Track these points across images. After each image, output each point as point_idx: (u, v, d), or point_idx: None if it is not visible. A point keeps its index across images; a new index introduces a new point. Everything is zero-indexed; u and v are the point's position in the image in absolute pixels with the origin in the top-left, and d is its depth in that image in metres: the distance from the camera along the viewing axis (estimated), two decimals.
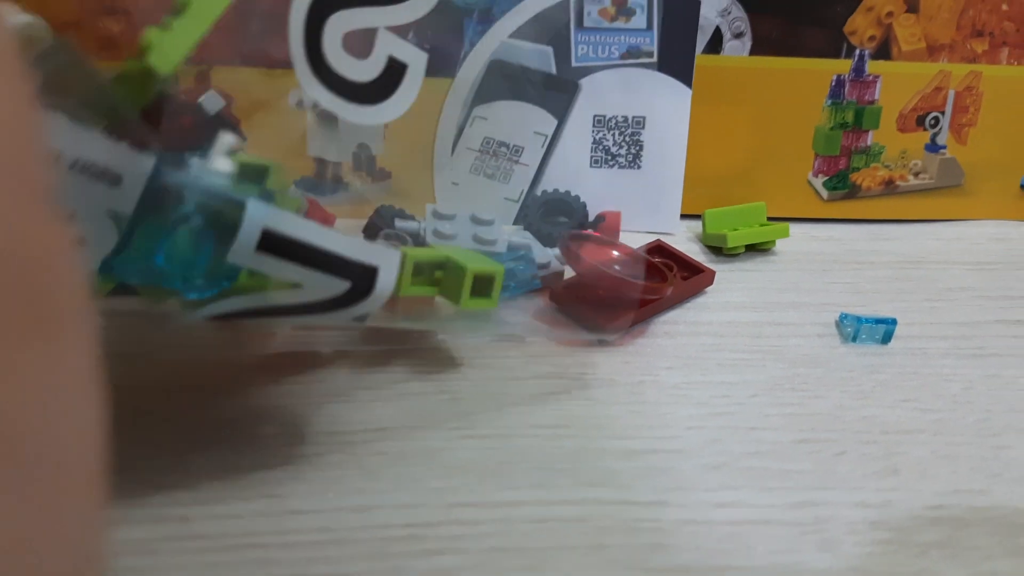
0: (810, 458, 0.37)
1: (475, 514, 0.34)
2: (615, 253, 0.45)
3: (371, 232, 0.46)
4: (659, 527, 0.33)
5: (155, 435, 0.36)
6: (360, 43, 0.42)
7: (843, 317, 0.45)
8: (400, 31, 0.42)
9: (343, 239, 0.30)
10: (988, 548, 0.33)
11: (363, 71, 0.41)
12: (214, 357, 0.41)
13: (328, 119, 0.50)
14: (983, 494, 0.36)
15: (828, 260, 0.50)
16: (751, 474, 0.36)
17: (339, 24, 0.42)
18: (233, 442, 0.36)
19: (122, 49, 0.47)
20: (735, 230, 0.50)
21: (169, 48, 0.35)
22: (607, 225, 0.50)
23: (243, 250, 0.29)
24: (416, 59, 0.42)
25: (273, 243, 0.29)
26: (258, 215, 0.28)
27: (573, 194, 0.50)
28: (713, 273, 0.47)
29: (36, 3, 0.46)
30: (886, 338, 0.44)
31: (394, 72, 0.43)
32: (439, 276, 0.38)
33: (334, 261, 0.30)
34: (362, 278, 0.30)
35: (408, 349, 0.42)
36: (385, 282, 0.31)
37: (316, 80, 0.41)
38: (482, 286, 0.38)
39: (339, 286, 0.30)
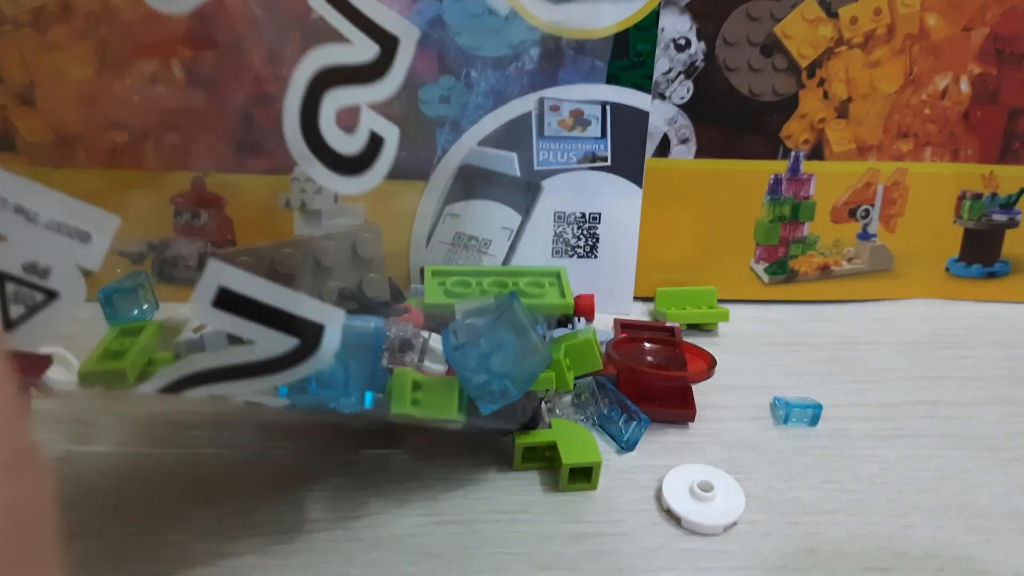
0: (739, 539, 0.42)
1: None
2: (646, 345, 0.50)
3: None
4: None
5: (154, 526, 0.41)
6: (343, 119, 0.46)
7: (776, 401, 0.50)
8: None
9: (292, 297, 0.32)
10: None
11: (350, 144, 0.45)
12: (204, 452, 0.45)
13: (313, 217, 0.54)
14: (889, 572, 0.41)
15: (767, 342, 0.55)
16: (686, 555, 0.41)
17: (332, 102, 0.46)
18: (226, 530, 0.41)
19: (125, 159, 0.52)
20: (683, 309, 0.55)
21: None
22: (582, 307, 0.54)
23: (201, 304, 0.31)
24: (391, 133, 0.45)
25: (229, 300, 0.31)
26: (215, 273, 0.31)
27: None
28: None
29: (47, 119, 0.51)
30: (814, 421, 0.49)
31: (375, 145, 0.47)
32: (548, 455, 0.44)
33: (284, 318, 0.32)
34: (310, 335, 0.32)
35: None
36: (331, 340, 0.33)
37: (311, 154, 0.45)
38: (581, 474, 0.44)
39: (288, 343, 0.32)
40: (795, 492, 0.45)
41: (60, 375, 0.39)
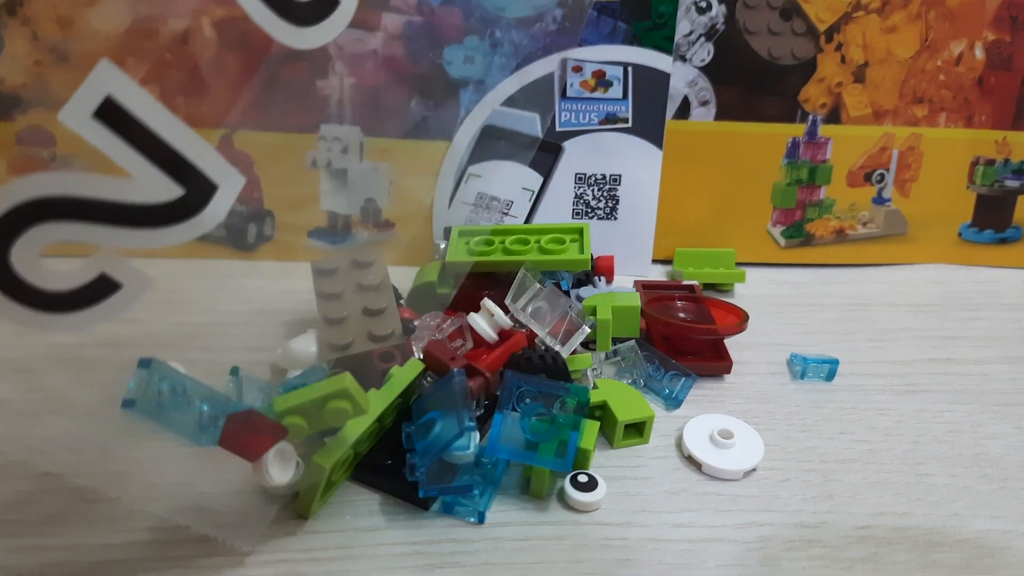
0: (758, 484, 0.43)
1: (470, 534, 0.39)
2: (677, 303, 0.51)
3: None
4: (626, 544, 0.39)
5: None
6: None
7: (793, 357, 0.51)
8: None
9: (198, 142, 0.27)
10: (906, 563, 0.39)
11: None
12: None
13: (339, 177, 0.55)
14: (905, 516, 0.42)
15: (783, 303, 0.56)
16: (707, 499, 0.42)
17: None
18: None
19: None
20: (701, 270, 0.56)
21: None
22: (602, 267, 0.55)
23: (77, 113, 0.26)
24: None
25: (113, 114, 0.26)
26: (106, 77, 0.25)
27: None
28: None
29: (81, 77, 0.51)
30: (830, 376, 0.50)
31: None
32: (599, 415, 0.45)
33: (175, 159, 0.26)
34: (198, 190, 0.27)
35: None
36: (220, 206, 0.27)
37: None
38: (634, 429, 0.44)
39: (171, 191, 0.27)
40: (812, 442, 0.46)
41: None
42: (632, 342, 0.48)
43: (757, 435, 0.45)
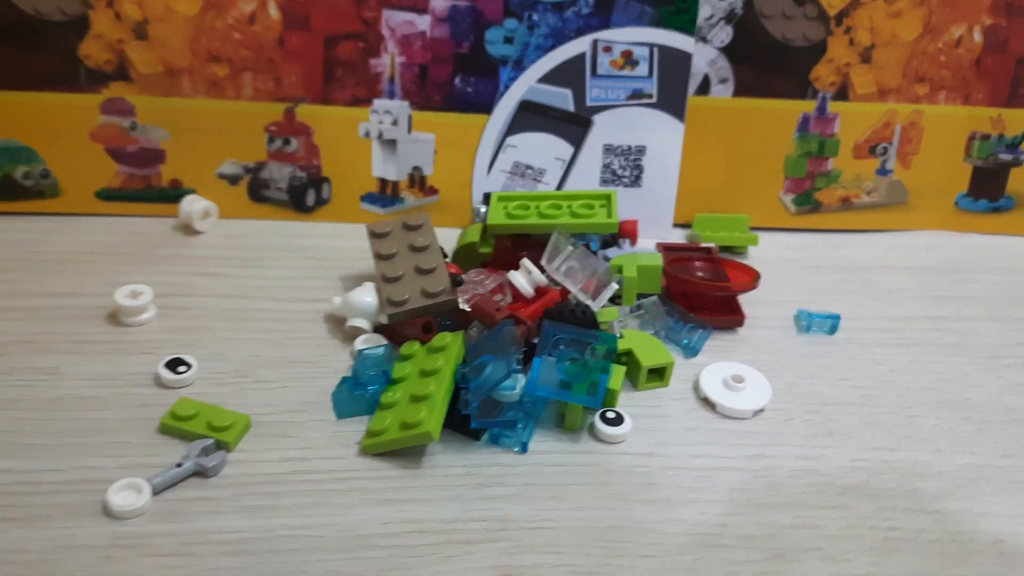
0: (766, 423, 0.49)
1: (514, 460, 0.45)
2: (696, 263, 0.57)
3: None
4: (648, 471, 0.45)
5: None
6: None
7: (799, 313, 0.56)
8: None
9: None
10: (893, 489, 0.45)
11: None
12: None
13: (389, 146, 0.61)
14: (894, 451, 0.48)
15: (791, 265, 0.62)
16: (720, 434, 0.48)
17: None
18: None
19: (226, 90, 0.58)
20: (717, 233, 0.62)
21: None
22: (627, 230, 0.60)
23: None
24: None
25: None
26: None
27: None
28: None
29: (158, 52, 0.57)
30: (832, 330, 0.56)
31: None
32: (624, 361, 0.50)
33: None
34: None
35: None
36: None
37: None
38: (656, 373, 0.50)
39: None
40: (815, 387, 0.51)
41: None
42: (655, 297, 0.54)
43: (766, 380, 0.51)
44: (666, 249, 0.59)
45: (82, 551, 0.39)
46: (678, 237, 0.64)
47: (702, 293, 0.55)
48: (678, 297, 0.55)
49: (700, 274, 0.56)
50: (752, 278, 0.56)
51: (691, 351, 0.53)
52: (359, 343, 0.51)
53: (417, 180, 0.62)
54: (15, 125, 0.58)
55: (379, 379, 0.48)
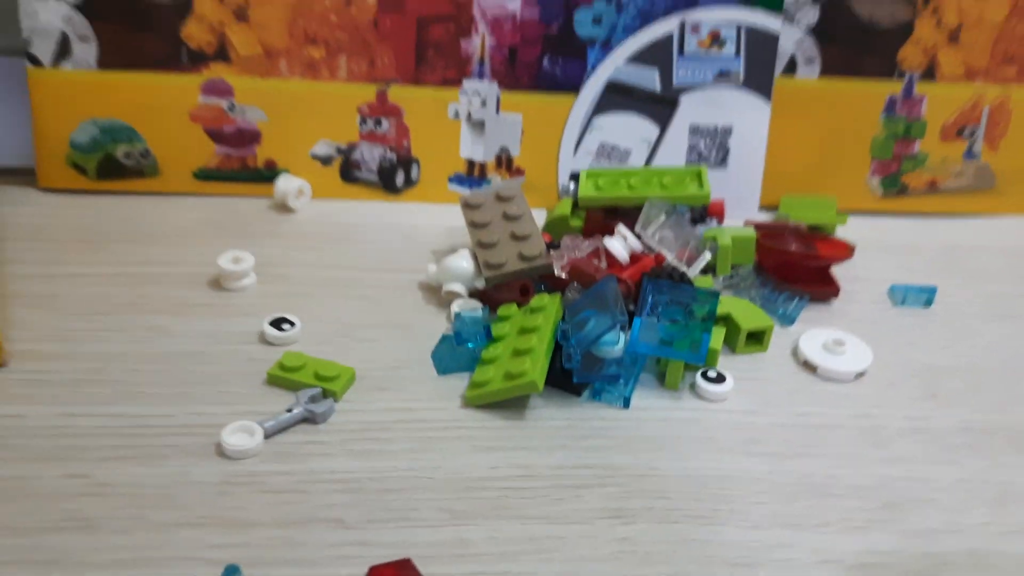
0: (868, 386, 0.48)
1: (616, 414, 0.45)
2: (789, 236, 0.57)
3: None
4: (754, 427, 0.45)
5: None
6: None
7: (894, 287, 0.56)
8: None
9: None
10: (1000, 447, 0.44)
11: None
12: None
13: (477, 127, 0.62)
14: (1001, 413, 0.47)
15: (880, 246, 0.61)
16: (825, 395, 0.47)
17: None
18: None
19: (321, 71, 0.60)
20: (805, 214, 0.62)
21: None
22: (714, 210, 0.60)
23: None
24: None
25: None
26: None
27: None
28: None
29: (257, 34, 0.59)
30: (928, 303, 0.55)
31: None
32: (723, 325, 0.50)
33: None
34: None
35: None
36: None
37: None
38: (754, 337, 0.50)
39: None
40: (915, 354, 0.51)
41: None
42: (749, 267, 0.54)
43: (866, 345, 0.50)
44: (757, 226, 0.59)
45: (198, 487, 0.40)
46: (765, 219, 0.64)
47: (797, 264, 0.55)
48: (771, 270, 0.55)
49: (793, 246, 0.56)
50: (846, 249, 0.55)
51: (787, 319, 0.53)
52: (456, 306, 0.51)
53: (504, 161, 0.63)
54: (118, 105, 0.60)
55: (480, 337, 0.48)
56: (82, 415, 0.43)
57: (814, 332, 0.51)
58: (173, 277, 0.54)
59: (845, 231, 0.62)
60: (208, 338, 0.49)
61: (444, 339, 0.49)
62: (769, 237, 0.56)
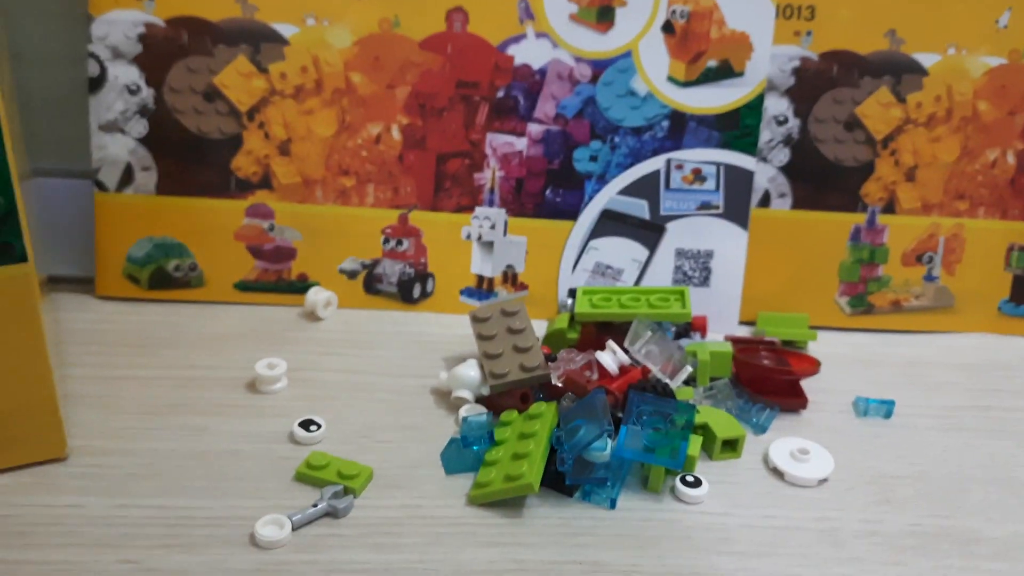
0: (829, 491, 0.54)
1: (604, 514, 0.51)
2: (762, 352, 0.64)
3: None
4: (726, 528, 0.51)
5: None
6: None
7: (857, 399, 0.62)
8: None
9: None
10: (947, 552, 0.50)
11: None
12: None
13: (487, 247, 0.70)
14: (948, 519, 0.52)
15: (848, 360, 0.68)
16: (791, 499, 0.53)
17: None
18: None
19: (352, 198, 0.68)
20: (779, 330, 0.68)
21: None
22: (698, 324, 0.67)
23: None
24: None
25: None
26: None
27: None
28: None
29: (297, 166, 0.67)
30: (888, 414, 0.61)
31: None
32: (700, 433, 0.56)
33: None
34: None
35: None
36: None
37: None
38: (729, 445, 0.56)
39: None
40: (872, 462, 0.57)
41: None
42: (726, 380, 0.60)
43: (828, 454, 0.56)
44: (734, 341, 0.66)
45: (234, 574, 0.46)
46: (744, 333, 0.70)
47: (768, 378, 0.61)
48: (746, 382, 0.62)
49: (766, 361, 0.62)
50: (814, 364, 0.62)
51: (760, 428, 0.59)
52: (463, 411, 0.58)
53: (510, 277, 0.70)
54: (172, 224, 0.68)
55: (484, 440, 0.55)
56: (133, 506, 0.49)
57: (783, 441, 0.57)
58: (214, 380, 0.61)
59: (816, 346, 0.69)
60: (244, 438, 0.56)
61: (452, 441, 0.55)
62: (744, 352, 0.63)
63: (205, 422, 0.57)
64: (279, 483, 0.52)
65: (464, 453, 0.54)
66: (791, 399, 0.61)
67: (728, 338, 0.67)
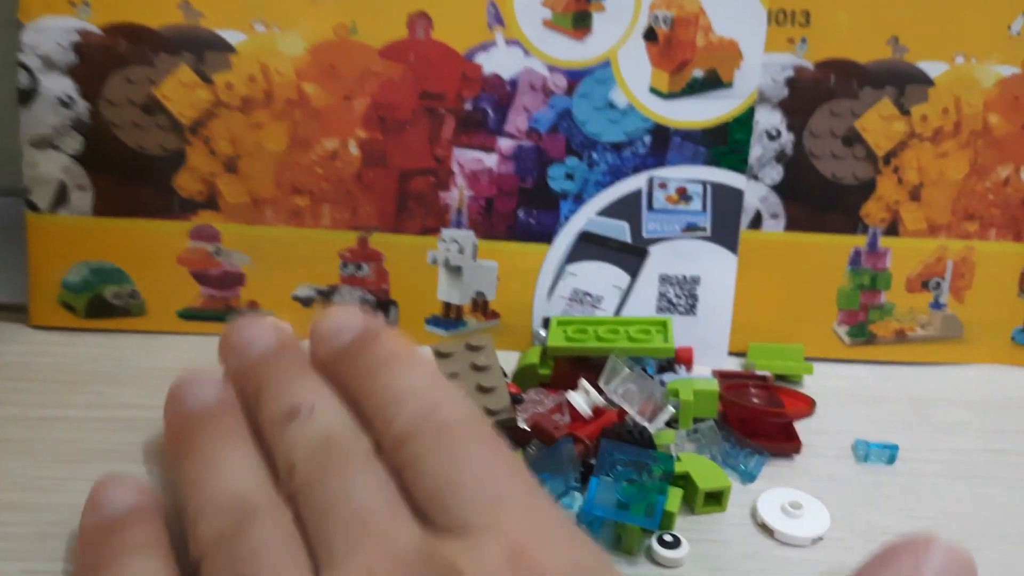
0: (825, 551, 0.49)
1: None
2: (752, 389, 0.58)
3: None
4: None
5: None
6: None
7: (857, 442, 0.56)
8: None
9: None
10: None
11: None
12: None
13: (455, 273, 0.64)
14: None
15: (847, 395, 0.62)
16: (779, 561, 0.48)
17: None
18: None
19: (306, 219, 0.63)
20: (772, 362, 0.63)
21: None
22: (682, 357, 0.61)
23: None
24: None
25: None
26: None
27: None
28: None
29: (246, 184, 0.62)
30: (891, 460, 0.56)
31: None
32: (681, 484, 0.50)
33: None
34: None
35: None
36: None
37: None
38: (713, 498, 0.51)
39: None
40: (874, 516, 0.51)
41: None
42: (711, 422, 0.55)
43: (824, 508, 0.51)
44: (722, 376, 0.60)
45: None
46: (733, 365, 0.65)
47: (759, 419, 0.56)
48: (734, 422, 0.56)
49: (756, 400, 0.57)
50: (808, 405, 0.56)
51: (748, 476, 0.53)
52: None
53: (480, 304, 0.65)
54: (111, 248, 0.63)
55: None
56: (41, 573, 0.44)
57: (774, 491, 0.52)
58: (150, 422, 0.55)
59: (813, 380, 0.63)
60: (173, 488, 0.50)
61: None
62: (732, 390, 0.57)
63: (137, 471, 0.51)
64: None
65: None
66: (783, 442, 0.56)
67: (715, 373, 0.61)
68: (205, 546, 0.36)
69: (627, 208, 0.63)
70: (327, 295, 0.64)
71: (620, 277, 0.64)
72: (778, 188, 0.63)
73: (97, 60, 0.60)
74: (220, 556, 0.35)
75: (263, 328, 0.46)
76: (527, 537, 0.33)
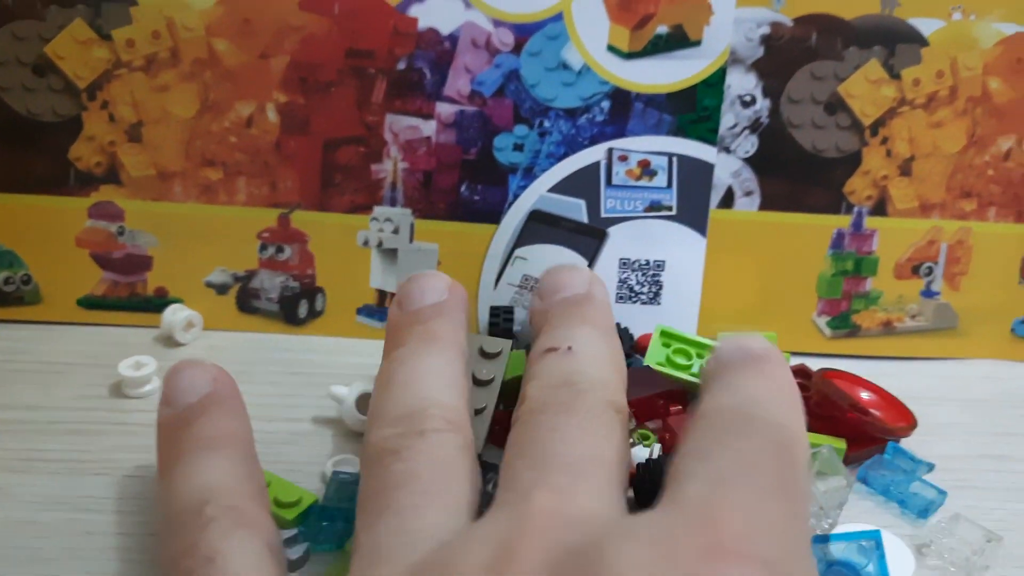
0: None
1: None
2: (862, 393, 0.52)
3: None
4: None
5: None
6: None
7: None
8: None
9: None
10: None
11: None
12: None
13: (389, 256, 0.57)
14: None
15: None
16: None
17: None
18: None
19: (218, 194, 0.56)
20: None
21: None
22: (643, 346, 0.55)
23: None
24: None
25: None
26: None
27: (622, 326, 0.55)
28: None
29: (151, 155, 0.55)
30: None
31: None
32: None
33: None
34: None
35: None
36: None
37: None
38: None
39: None
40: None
41: None
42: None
43: None
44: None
45: None
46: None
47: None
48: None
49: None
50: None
51: None
52: (331, 465, 0.45)
53: None
54: (0, 228, 0.56)
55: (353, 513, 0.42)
56: None
57: None
58: (33, 424, 0.49)
59: None
60: (45, 504, 0.43)
61: (311, 509, 0.43)
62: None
63: (4, 481, 0.45)
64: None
65: (326, 527, 0.42)
66: None
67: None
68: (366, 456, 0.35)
69: (583, 184, 0.56)
70: (244, 280, 0.57)
71: (576, 262, 0.57)
72: (752, 161, 0.56)
73: None
74: (374, 472, 0.34)
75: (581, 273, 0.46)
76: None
